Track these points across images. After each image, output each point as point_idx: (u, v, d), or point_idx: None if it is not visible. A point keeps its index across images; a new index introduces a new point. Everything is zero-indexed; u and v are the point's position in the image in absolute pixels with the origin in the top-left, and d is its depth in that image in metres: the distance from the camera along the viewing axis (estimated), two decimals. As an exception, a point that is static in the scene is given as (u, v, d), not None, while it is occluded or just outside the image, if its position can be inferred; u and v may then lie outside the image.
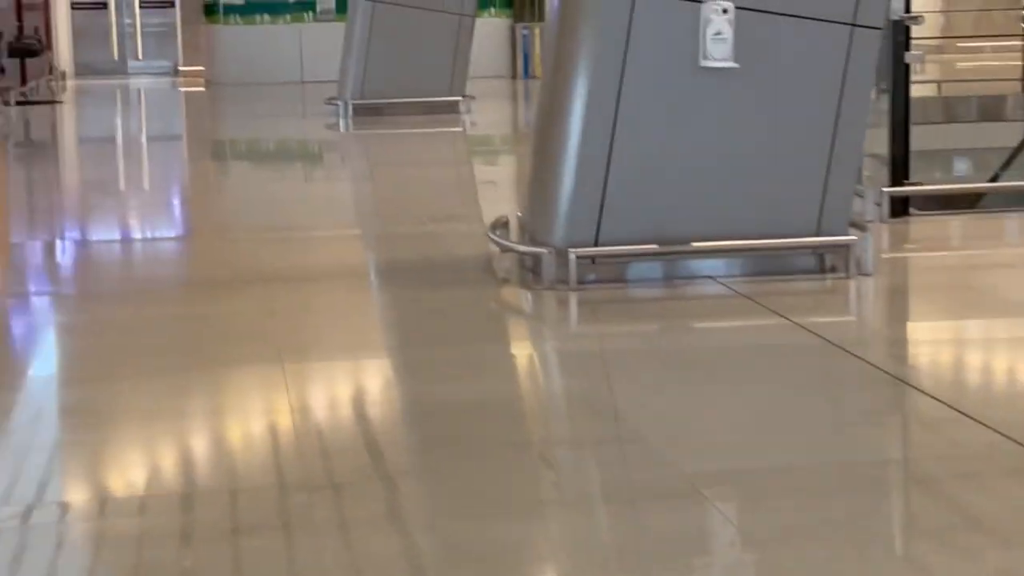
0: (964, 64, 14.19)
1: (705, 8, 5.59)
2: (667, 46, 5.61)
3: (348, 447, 3.87)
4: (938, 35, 14.46)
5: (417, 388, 4.48)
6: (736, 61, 5.61)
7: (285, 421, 4.12)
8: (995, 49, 13.30)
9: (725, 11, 5.59)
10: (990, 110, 10.66)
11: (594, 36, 5.65)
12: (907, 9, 7.13)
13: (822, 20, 5.68)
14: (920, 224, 7.09)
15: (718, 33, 5.60)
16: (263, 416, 4.22)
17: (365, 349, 5.04)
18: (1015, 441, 3.72)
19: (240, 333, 5.21)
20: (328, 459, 3.75)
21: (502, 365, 4.94)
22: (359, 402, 4.41)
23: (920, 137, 7.42)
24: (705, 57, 5.60)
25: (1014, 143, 8.78)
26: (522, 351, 5.24)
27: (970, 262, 6.36)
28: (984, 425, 3.87)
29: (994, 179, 8.40)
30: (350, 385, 4.61)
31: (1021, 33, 11.66)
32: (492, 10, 19.86)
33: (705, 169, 5.70)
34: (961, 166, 9.62)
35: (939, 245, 6.86)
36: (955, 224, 7.28)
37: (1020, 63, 10.85)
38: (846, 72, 5.72)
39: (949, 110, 10.49)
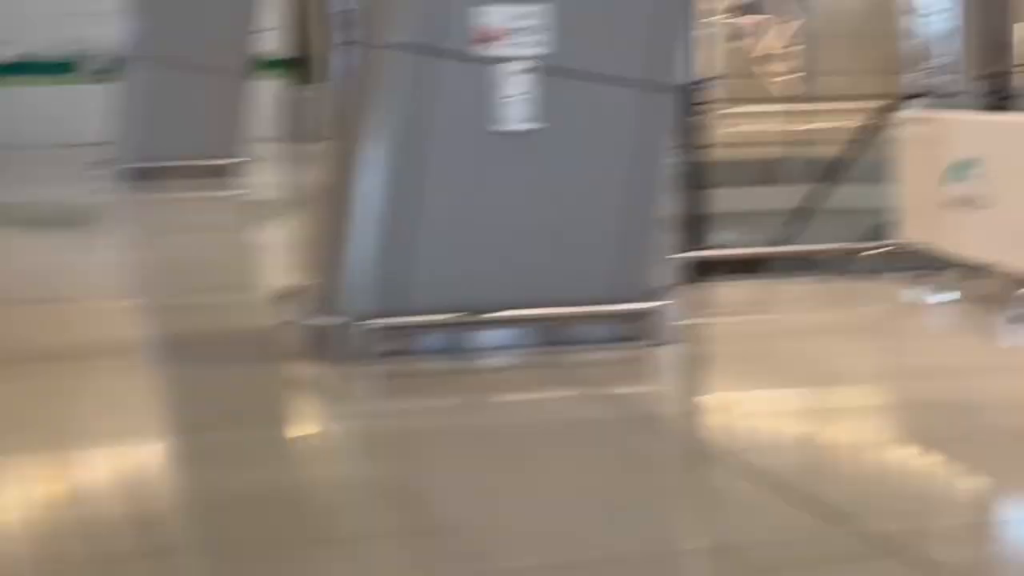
0: (730, 129, 14.34)
1: (495, 70, 5.38)
2: (460, 109, 5.38)
3: (126, 553, 3.48)
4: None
5: (202, 478, 4.13)
6: (531, 124, 5.40)
7: (52, 522, 3.73)
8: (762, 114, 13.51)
9: (515, 73, 5.39)
10: (763, 173, 10.79)
11: (381, 102, 5.38)
12: (695, 73, 7.06)
13: (612, 82, 5.50)
14: (716, 290, 6.96)
15: (508, 96, 5.40)
16: (24, 517, 3.80)
17: (143, 435, 4.65)
18: (835, 524, 3.56)
19: (3, 420, 4.76)
20: (104, 569, 3.36)
21: (292, 450, 4.62)
22: (137, 498, 4.01)
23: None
24: (495, 120, 5.39)
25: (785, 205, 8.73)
26: (313, 433, 4.92)
27: (771, 328, 6.24)
28: (801, 506, 3.71)
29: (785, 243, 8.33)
30: (127, 477, 4.22)
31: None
32: (265, 72, 19.49)
33: (502, 235, 5.46)
34: (730, 234, 9.55)
35: (737, 311, 6.74)
36: (751, 289, 7.17)
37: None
38: (638, 134, 5.57)
39: (727, 174, 10.53)
